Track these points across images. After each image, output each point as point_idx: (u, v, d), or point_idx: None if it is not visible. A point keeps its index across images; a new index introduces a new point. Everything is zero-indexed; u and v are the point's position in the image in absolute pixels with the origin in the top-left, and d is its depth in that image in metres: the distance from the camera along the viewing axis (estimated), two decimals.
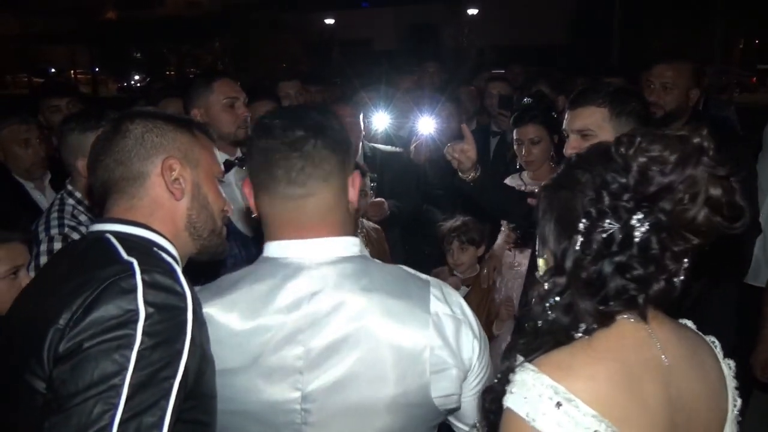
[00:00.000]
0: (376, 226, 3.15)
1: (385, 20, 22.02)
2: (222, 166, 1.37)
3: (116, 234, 1.18)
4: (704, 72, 3.87)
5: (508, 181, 2.93)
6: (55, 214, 2.19)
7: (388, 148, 3.51)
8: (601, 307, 1.05)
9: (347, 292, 1.17)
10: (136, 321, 0.99)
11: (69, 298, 1.02)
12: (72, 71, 23.34)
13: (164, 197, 1.24)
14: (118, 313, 0.99)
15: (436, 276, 3.13)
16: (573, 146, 1.98)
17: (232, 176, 2.62)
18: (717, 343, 1.23)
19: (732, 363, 1.22)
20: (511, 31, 18.95)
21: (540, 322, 1.10)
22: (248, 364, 1.16)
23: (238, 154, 2.68)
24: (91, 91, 20.61)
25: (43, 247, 2.08)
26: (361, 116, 3.41)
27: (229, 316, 1.17)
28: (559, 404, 1.00)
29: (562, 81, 4.25)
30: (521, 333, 1.16)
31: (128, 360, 0.97)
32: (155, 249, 1.19)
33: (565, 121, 2.05)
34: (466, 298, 3.01)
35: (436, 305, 1.22)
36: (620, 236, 1.02)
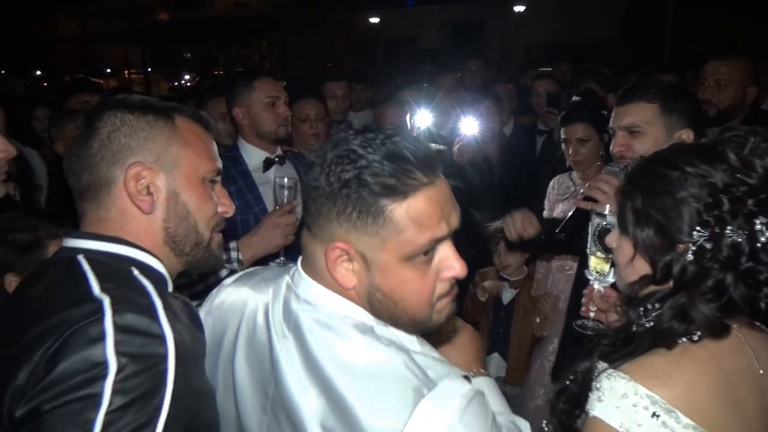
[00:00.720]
0: None
1: (430, 18, 21.87)
2: (218, 162, 1.21)
3: (89, 254, 1.05)
4: (762, 69, 3.71)
5: (556, 180, 2.88)
6: None
7: (432, 145, 3.50)
8: (719, 315, 1.02)
9: None
10: (104, 377, 0.84)
11: (31, 348, 0.89)
12: (126, 71, 24.12)
13: (134, 209, 1.09)
14: (84, 367, 0.85)
15: (483, 276, 3.13)
16: (620, 144, 1.92)
17: (271, 174, 2.65)
18: None
19: None
20: (559, 29, 18.54)
21: (634, 327, 1.07)
22: None
23: (279, 152, 2.72)
24: (143, 91, 21.26)
25: None
26: (407, 117, 3.41)
27: None
28: (655, 415, 0.96)
29: (611, 78, 4.14)
30: (604, 336, 1.12)
31: (93, 426, 0.81)
32: (135, 271, 1.05)
33: (611, 118, 1.99)
34: (514, 300, 3.01)
35: None
36: (745, 243, 0.99)
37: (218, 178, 1.21)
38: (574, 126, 2.67)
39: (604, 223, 1.48)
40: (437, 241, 0.99)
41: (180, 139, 1.13)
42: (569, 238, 1.98)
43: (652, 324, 1.05)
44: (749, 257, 0.99)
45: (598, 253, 1.51)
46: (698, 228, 1.00)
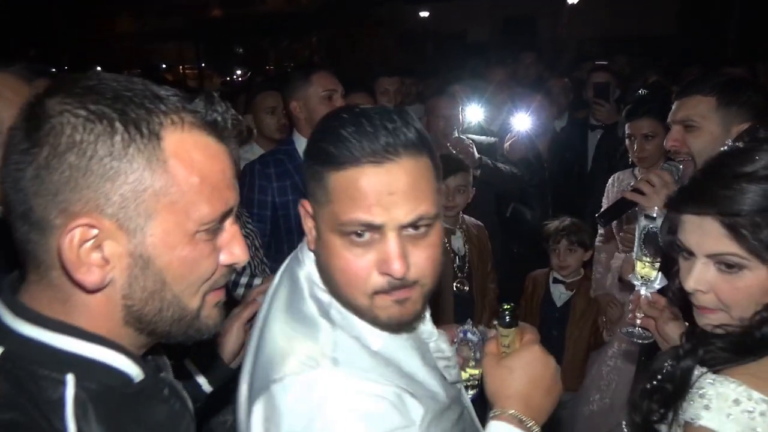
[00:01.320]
0: (479, 223, 3.09)
1: (481, 12, 21.58)
2: (232, 197, 0.85)
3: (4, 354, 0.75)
4: None
5: (616, 177, 2.78)
6: None
7: (484, 138, 3.43)
8: None
9: None
10: None
11: None
12: (180, 66, 24.75)
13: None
14: None
15: (534, 279, 3.06)
16: (674, 138, 1.83)
17: None
18: None
19: None
20: (614, 22, 18.01)
21: (757, 334, 1.00)
22: None
23: None
24: (197, 86, 21.80)
25: None
26: (459, 108, 3.36)
27: None
28: None
29: (673, 71, 3.99)
30: (714, 338, 1.06)
31: None
32: (65, 388, 0.75)
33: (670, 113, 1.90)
34: (570, 302, 2.92)
35: None
36: None
37: (228, 220, 0.86)
38: (639, 121, 2.56)
39: (652, 226, 1.40)
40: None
41: (165, 172, 0.76)
42: (607, 224, 1.94)
43: None
44: None
45: (645, 258, 1.44)
46: None
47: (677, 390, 1.03)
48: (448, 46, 19.50)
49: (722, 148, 1.15)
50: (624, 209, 1.86)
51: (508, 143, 3.46)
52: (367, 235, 0.97)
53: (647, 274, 1.45)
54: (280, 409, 0.95)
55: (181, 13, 23.55)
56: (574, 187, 3.58)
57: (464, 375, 1.35)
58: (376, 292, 1.00)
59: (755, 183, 0.99)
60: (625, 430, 1.19)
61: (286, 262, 1.18)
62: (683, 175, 1.80)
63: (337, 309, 1.06)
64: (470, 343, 1.38)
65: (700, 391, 0.96)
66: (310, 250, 1.09)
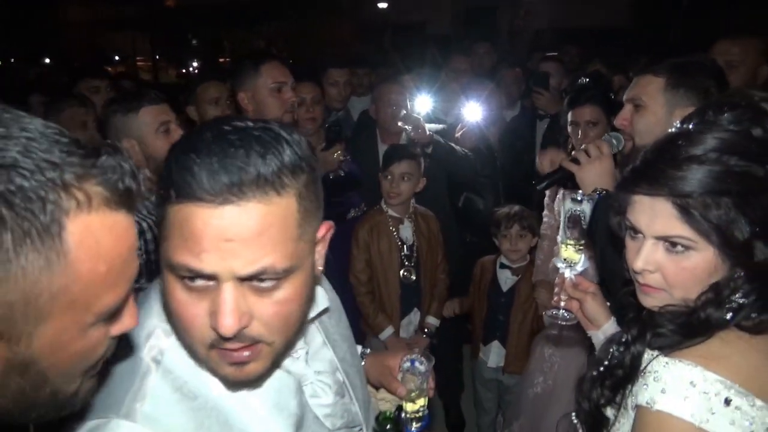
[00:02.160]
0: (429, 212, 3.11)
1: (441, 3, 21.65)
2: (137, 259, 0.75)
3: None
4: None
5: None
6: None
7: (433, 125, 3.45)
8: None
9: None
10: None
11: None
12: (135, 58, 24.09)
13: None
14: None
15: (482, 265, 3.09)
16: (623, 117, 1.86)
17: None
18: None
19: None
20: (571, 13, 18.30)
21: (713, 319, 1.01)
22: None
23: None
24: (152, 78, 21.25)
25: None
26: (407, 95, 3.38)
27: None
28: (728, 400, 0.92)
29: (619, 61, 4.07)
30: (661, 320, 1.07)
31: None
32: None
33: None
34: (516, 287, 2.97)
35: None
36: None
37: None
38: (582, 108, 2.60)
39: (577, 209, 1.42)
40: None
41: (66, 268, 0.63)
42: (541, 187, 1.96)
43: (730, 315, 1.00)
44: None
45: (569, 241, 1.46)
46: None
47: (628, 375, 1.04)
48: (408, 38, 19.53)
49: (671, 129, 1.17)
50: (561, 177, 1.88)
51: (459, 132, 3.48)
52: (199, 281, 0.82)
53: (571, 257, 1.46)
54: None
55: (134, 2, 22.89)
56: (524, 176, 3.62)
57: (410, 407, 1.31)
58: (212, 346, 0.86)
59: (706, 165, 1.00)
60: (574, 419, 1.20)
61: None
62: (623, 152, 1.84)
63: (175, 349, 0.94)
64: (417, 373, 1.33)
65: (655, 375, 0.97)
66: None
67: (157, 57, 23.77)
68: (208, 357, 0.89)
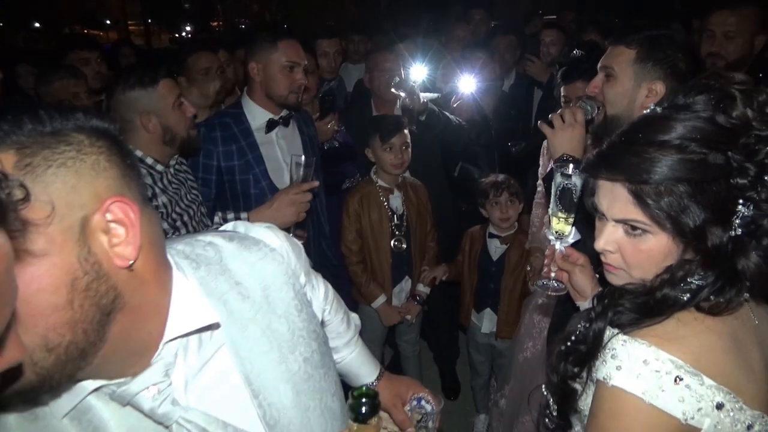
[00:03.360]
0: (418, 182, 3.13)
1: None
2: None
3: None
4: None
5: None
6: None
7: (427, 94, 3.44)
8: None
9: None
10: None
11: None
12: (126, 23, 23.65)
13: None
14: None
15: (471, 235, 3.13)
16: (595, 84, 1.88)
17: (274, 135, 2.63)
18: None
19: None
20: None
21: (669, 299, 1.04)
22: None
23: (284, 112, 2.68)
24: (144, 43, 20.90)
25: None
26: (400, 64, 3.36)
27: None
28: (679, 378, 0.96)
29: (617, 27, 4.03)
30: (621, 299, 1.10)
31: None
32: None
33: None
34: (505, 255, 3.02)
35: None
36: None
37: None
38: (574, 84, 2.58)
39: (567, 183, 1.44)
40: None
41: None
42: (518, 150, 1.98)
43: (687, 296, 1.03)
44: None
45: (560, 214, 1.47)
46: (741, 201, 1.00)
47: (590, 351, 1.08)
48: (403, 2, 19.17)
49: (644, 112, 1.18)
50: (537, 140, 1.95)
51: (455, 104, 3.47)
52: None
53: (562, 230, 1.49)
54: None
55: None
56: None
57: None
58: None
59: (663, 152, 1.02)
60: (544, 390, 1.25)
61: None
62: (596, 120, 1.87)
63: None
64: (423, 411, 1.34)
65: (612, 352, 1.01)
66: None
67: (149, 21, 23.36)
68: None
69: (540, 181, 2.93)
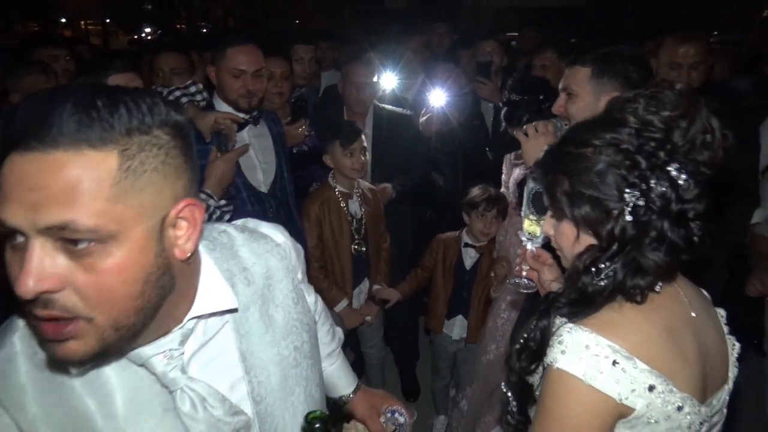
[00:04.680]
0: (372, 186, 3.22)
1: None
2: None
3: None
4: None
5: (510, 156, 2.97)
6: None
7: (396, 109, 3.53)
8: (667, 259, 1.11)
9: None
10: None
11: None
12: (82, 22, 23.05)
13: None
14: None
15: (444, 242, 3.21)
16: (559, 104, 2.04)
17: (245, 134, 2.68)
18: (705, 292, 1.32)
19: (722, 311, 1.33)
20: None
21: (589, 288, 1.13)
22: None
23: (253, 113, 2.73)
24: (101, 44, 20.43)
25: None
26: (374, 76, 3.44)
27: None
28: (615, 362, 1.05)
29: (573, 46, 4.21)
30: (558, 296, 1.19)
31: None
32: None
33: None
34: (477, 264, 3.11)
35: None
36: (670, 190, 1.08)
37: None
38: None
39: (537, 187, 1.53)
40: None
41: None
42: (497, 154, 2.08)
43: (605, 283, 1.12)
44: (677, 201, 1.08)
45: (531, 216, 1.58)
46: (628, 190, 1.08)
47: (540, 347, 1.18)
48: (366, 13, 19.36)
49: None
50: (513, 145, 2.10)
51: (424, 119, 3.57)
52: (19, 238, 0.76)
53: (533, 231, 1.59)
54: None
55: None
56: (483, 152, 3.76)
57: None
58: (34, 317, 0.79)
59: (565, 147, 1.17)
60: (504, 387, 1.33)
61: None
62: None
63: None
64: (397, 422, 1.45)
65: (559, 338, 1.10)
66: None
67: (108, 20, 22.83)
68: (36, 330, 0.82)
69: (503, 189, 3.06)
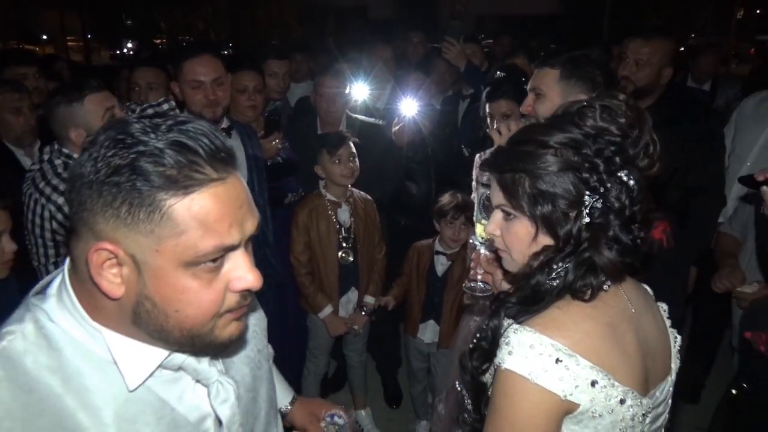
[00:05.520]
0: (367, 196, 3.26)
1: None
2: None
3: None
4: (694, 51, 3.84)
5: (481, 155, 3.02)
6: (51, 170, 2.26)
7: (368, 119, 3.58)
8: (620, 259, 1.15)
9: None
10: None
11: None
12: (63, 38, 22.94)
13: None
14: None
15: (418, 250, 3.26)
16: (527, 104, 2.11)
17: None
18: (648, 287, 1.36)
19: (664, 305, 1.37)
20: (508, 0, 18.72)
21: (542, 287, 1.16)
22: None
23: (225, 123, 2.76)
24: (83, 60, 20.36)
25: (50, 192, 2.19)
26: (345, 87, 3.48)
27: None
28: (559, 360, 1.08)
29: (540, 52, 4.30)
30: (508, 297, 1.23)
31: None
32: None
33: None
34: (449, 271, 3.16)
35: None
36: (624, 194, 1.13)
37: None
38: (497, 102, 2.81)
39: (488, 192, 1.59)
40: (226, 249, 0.86)
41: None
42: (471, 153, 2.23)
43: (556, 282, 1.15)
44: (630, 204, 1.13)
45: (483, 221, 1.61)
46: (588, 192, 1.13)
47: (491, 347, 1.21)
48: (350, 22, 19.48)
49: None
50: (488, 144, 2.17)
51: (396, 128, 3.62)
52: (208, 264, 0.85)
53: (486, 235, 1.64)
54: None
55: None
56: (455, 160, 3.82)
57: None
58: (225, 312, 0.91)
59: (522, 147, 1.20)
60: (458, 386, 1.36)
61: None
62: None
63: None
64: (336, 427, 1.49)
65: (507, 340, 1.13)
66: (113, 298, 0.86)
67: (89, 36, 22.76)
68: (215, 326, 0.92)
69: (473, 194, 3.12)
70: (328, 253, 3.15)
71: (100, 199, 0.80)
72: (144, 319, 0.87)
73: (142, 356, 0.92)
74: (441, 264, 3.24)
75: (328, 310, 3.18)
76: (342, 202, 3.16)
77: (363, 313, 3.29)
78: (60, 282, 0.93)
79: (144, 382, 0.93)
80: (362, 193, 3.28)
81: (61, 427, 0.86)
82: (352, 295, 3.29)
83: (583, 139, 1.14)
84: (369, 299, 3.30)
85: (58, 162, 2.27)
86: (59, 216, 2.21)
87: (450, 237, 3.13)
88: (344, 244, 3.16)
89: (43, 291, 0.96)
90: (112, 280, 0.84)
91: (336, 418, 1.50)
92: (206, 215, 0.82)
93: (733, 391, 1.99)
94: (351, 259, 3.18)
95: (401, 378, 4.00)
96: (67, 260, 0.93)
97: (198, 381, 1.01)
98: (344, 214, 3.17)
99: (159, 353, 0.93)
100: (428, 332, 3.30)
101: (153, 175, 0.78)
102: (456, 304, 3.17)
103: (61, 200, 2.19)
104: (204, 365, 1.00)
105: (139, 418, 0.92)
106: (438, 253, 3.23)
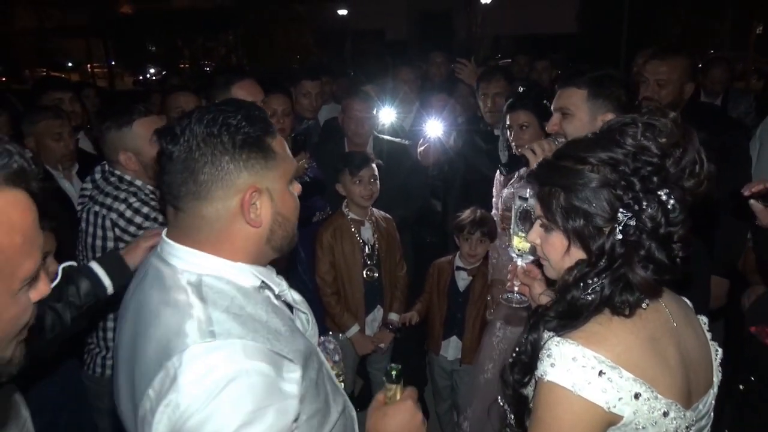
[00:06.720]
0: (387, 215, 3.30)
1: (398, 9, 21.92)
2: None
3: None
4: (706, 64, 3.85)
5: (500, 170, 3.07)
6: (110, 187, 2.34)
7: (395, 140, 3.63)
8: (655, 277, 1.16)
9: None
10: None
11: None
12: (89, 65, 23.54)
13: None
14: None
15: (439, 267, 3.29)
16: (554, 123, 2.14)
17: None
18: (687, 300, 1.37)
19: (705, 318, 1.37)
20: (524, 20, 18.84)
21: (578, 301, 1.18)
22: None
23: None
24: (108, 85, 20.86)
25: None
26: (373, 110, 3.54)
27: None
28: (601, 372, 1.09)
29: (560, 66, 4.35)
30: (547, 310, 1.24)
31: None
32: None
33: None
34: (470, 286, 3.18)
35: None
36: (660, 213, 1.14)
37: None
38: (517, 112, 2.85)
39: (525, 205, 1.61)
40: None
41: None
42: (509, 171, 2.52)
43: (592, 297, 1.17)
44: (665, 224, 1.14)
45: (520, 233, 1.63)
46: (621, 210, 1.14)
47: (531, 360, 1.23)
48: (367, 44, 19.74)
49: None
50: (522, 162, 2.23)
51: (422, 148, 3.67)
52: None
53: (523, 247, 1.64)
54: (179, 384, 1.01)
55: (87, 6, 22.35)
56: (480, 176, 3.84)
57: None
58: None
59: (562, 162, 1.22)
60: (500, 401, 1.38)
61: (149, 260, 1.24)
62: None
63: (208, 286, 1.13)
64: (327, 350, 1.58)
65: (548, 352, 1.15)
66: (256, 227, 1.16)
67: (113, 63, 23.33)
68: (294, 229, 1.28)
69: (494, 211, 3.15)
70: (354, 272, 3.17)
71: (241, 161, 1.11)
72: (277, 233, 1.19)
73: (261, 273, 1.23)
74: (462, 279, 3.25)
75: (355, 329, 3.20)
76: (364, 220, 3.20)
77: (389, 330, 3.30)
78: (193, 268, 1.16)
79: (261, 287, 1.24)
80: (381, 212, 3.32)
81: (271, 330, 1.14)
82: (378, 313, 3.30)
83: (622, 157, 1.15)
84: (394, 316, 3.30)
85: (112, 179, 2.35)
86: (121, 222, 2.27)
87: (467, 252, 3.16)
88: (369, 262, 3.18)
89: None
90: (257, 212, 1.14)
91: (326, 344, 1.60)
92: (284, 148, 1.21)
93: (741, 386, 1.98)
94: (376, 276, 3.20)
95: (427, 396, 3.99)
96: (176, 261, 1.16)
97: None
98: (367, 232, 3.20)
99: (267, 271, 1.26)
100: (451, 349, 3.30)
101: (255, 128, 1.13)
102: (479, 319, 3.17)
103: (122, 207, 2.27)
104: (291, 295, 1.34)
105: (264, 308, 1.19)
106: (459, 268, 3.26)
